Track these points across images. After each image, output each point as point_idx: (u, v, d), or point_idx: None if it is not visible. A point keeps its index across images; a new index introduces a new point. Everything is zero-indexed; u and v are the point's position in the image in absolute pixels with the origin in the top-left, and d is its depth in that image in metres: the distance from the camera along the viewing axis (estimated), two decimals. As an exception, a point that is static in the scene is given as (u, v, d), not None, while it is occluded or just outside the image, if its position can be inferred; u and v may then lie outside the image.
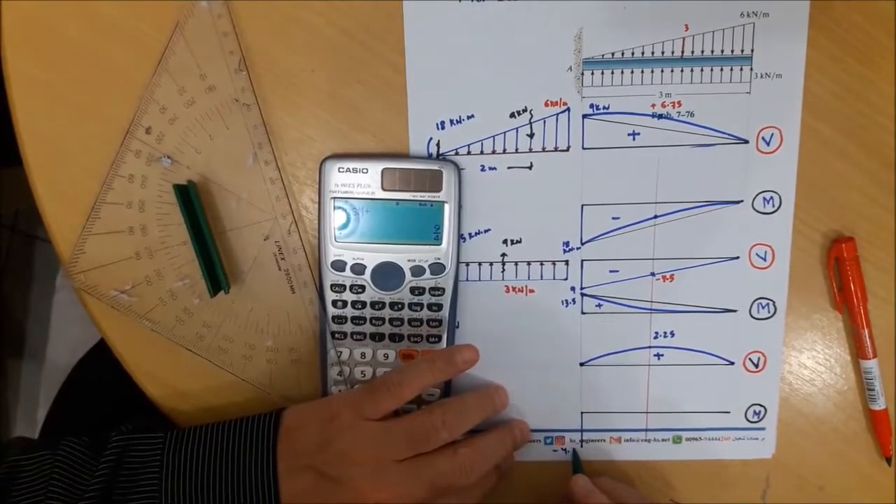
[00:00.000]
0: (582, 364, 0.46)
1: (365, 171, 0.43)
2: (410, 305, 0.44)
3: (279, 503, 0.39)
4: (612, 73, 0.43)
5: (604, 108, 0.43)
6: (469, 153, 0.44)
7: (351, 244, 0.44)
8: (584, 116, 0.44)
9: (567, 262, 0.45)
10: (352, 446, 0.40)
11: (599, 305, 0.46)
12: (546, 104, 0.44)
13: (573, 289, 0.45)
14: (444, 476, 0.40)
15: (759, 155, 0.44)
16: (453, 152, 0.44)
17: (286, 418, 0.41)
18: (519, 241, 0.45)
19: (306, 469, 0.39)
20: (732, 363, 0.46)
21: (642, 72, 0.43)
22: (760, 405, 0.47)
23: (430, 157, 0.44)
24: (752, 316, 0.46)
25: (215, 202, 0.44)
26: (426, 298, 0.44)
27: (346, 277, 0.44)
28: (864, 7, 0.42)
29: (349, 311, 0.44)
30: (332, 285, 0.44)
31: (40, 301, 1.16)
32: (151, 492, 0.39)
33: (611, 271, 0.45)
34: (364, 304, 0.44)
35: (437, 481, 0.40)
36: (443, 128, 0.44)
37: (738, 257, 0.45)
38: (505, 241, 0.45)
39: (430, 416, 0.41)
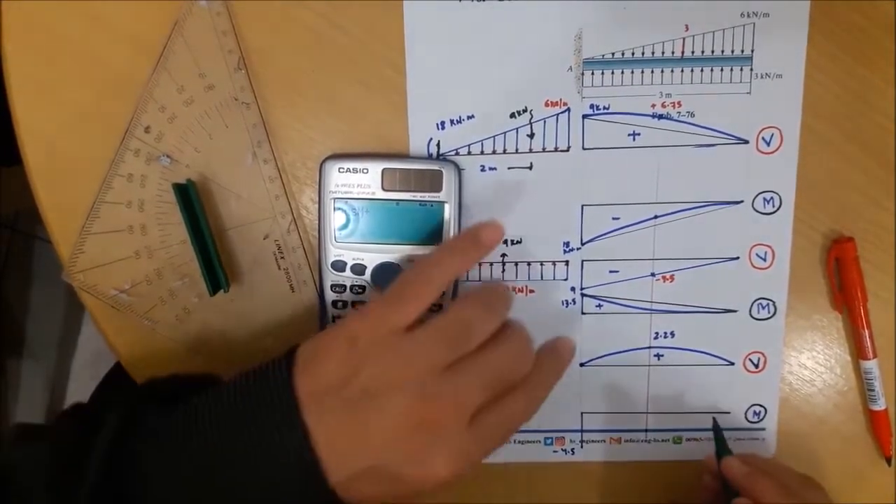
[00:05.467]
0: (582, 364, 0.46)
1: (365, 171, 0.43)
2: (410, 305, 0.44)
3: (318, 458, 0.33)
4: (613, 73, 0.43)
5: (604, 108, 0.43)
6: (469, 153, 0.44)
7: (351, 244, 0.44)
8: (585, 116, 0.44)
9: (567, 263, 0.45)
10: (384, 368, 0.34)
11: (599, 306, 0.46)
12: (546, 104, 0.44)
13: (573, 289, 0.45)
14: (497, 369, 0.35)
15: (760, 155, 0.44)
16: (453, 152, 0.44)
17: (300, 358, 0.35)
18: (519, 242, 0.45)
19: (334, 409, 0.33)
20: (732, 363, 0.46)
21: (642, 72, 0.43)
22: (760, 405, 0.46)
23: (430, 157, 0.44)
24: (752, 316, 0.46)
25: (215, 201, 0.44)
26: (426, 298, 0.44)
27: (347, 278, 0.44)
28: (864, 7, 0.42)
29: (350, 312, 0.44)
30: (332, 286, 0.44)
31: (40, 301, 1.16)
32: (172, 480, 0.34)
33: (611, 271, 0.45)
34: (365, 304, 0.44)
35: (492, 378, 0.34)
36: (443, 128, 0.44)
37: (738, 257, 0.45)
38: (505, 242, 0.45)
39: (463, 307, 0.35)
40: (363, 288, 0.44)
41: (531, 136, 0.44)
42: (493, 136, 0.44)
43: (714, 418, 0.45)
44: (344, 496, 0.34)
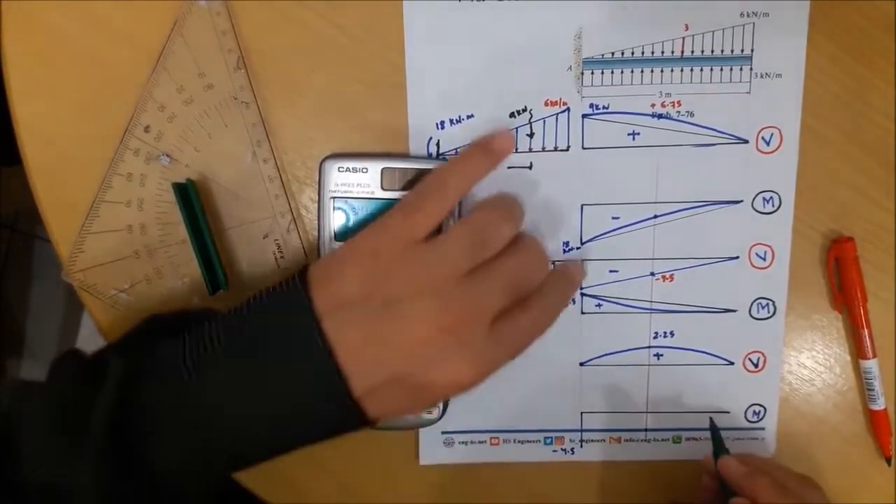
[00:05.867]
0: (582, 364, 0.46)
1: (365, 170, 0.43)
2: (410, 305, 0.44)
3: (340, 369, 0.33)
4: (612, 72, 0.43)
5: (603, 107, 0.43)
6: (469, 153, 0.44)
7: (350, 243, 0.44)
8: (584, 116, 0.44)
9: (567, 262, 0.45)
10: (406, 277, 0.34)
11: (599, 305, 0.46)
12: (546, 104, 0.44)
13: (573, 288, 0.45)
14: (516, 275, 0.36)
15: (759, 155, 0.44)
16: (453, 152, 0.44)
17: (313, 276, 0.35)
18: (518, 241, 0.45)
19: (355, 320, 0.34)
20: (732, 363, 0.46)
21: (642, 72, 0.43)
22: (760, 405, 0.46)
23: (429, 156, 0.44)
24: (751, 316, 0.46)
25: (214, 200, 0.44)
26: (426, 298, 0.44)
27: (346, 277, 0.44)
28: (864, 7, 0.42)
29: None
30: (331, 285, 0.44)
31: (40, 301, 1.16)
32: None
33: (610, 271, 0.45)
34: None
35: (511, 283, 0.36)
36: (443, 128, 0.44)
37: (737, 257, 0.45)
38: (504, 241, 0.45)
39: (481, 215, 0.36)
40: (363, 287, 0.44)
41: (531, 135, 0.44)
42: (493, 136, 0.44)
43: (711, 418, 0.45)
44: (368, 410, 0.34)
